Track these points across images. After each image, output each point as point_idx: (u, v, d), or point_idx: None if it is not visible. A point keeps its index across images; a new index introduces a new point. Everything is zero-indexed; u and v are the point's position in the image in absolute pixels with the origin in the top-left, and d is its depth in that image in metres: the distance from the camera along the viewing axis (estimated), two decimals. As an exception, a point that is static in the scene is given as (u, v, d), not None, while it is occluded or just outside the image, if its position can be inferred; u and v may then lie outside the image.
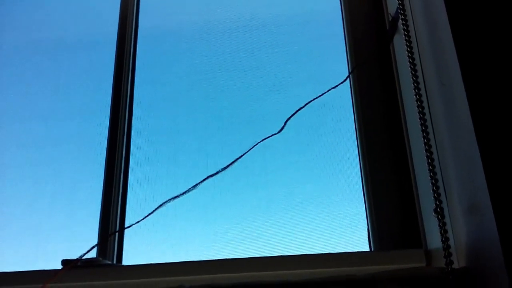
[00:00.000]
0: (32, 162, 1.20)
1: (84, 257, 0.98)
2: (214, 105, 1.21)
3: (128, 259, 1.07)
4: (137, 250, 1.09)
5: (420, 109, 0.88)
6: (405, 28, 0.97)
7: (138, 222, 1.01)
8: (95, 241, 1.10)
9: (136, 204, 1.13)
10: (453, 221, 0.80)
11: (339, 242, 1.04)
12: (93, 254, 1.05)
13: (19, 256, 1.12)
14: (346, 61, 1.21)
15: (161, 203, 1.07)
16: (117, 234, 1.08)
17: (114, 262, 1.06)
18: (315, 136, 1.15)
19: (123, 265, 0.96)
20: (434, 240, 0.88)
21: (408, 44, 0.97)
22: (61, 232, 1.14)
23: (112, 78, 1.24)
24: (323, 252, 0.89)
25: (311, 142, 1.15)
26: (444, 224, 0.77)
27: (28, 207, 1.16)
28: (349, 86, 1.19)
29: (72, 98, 1.26)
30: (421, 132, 0.88)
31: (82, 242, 1.11)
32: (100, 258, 1.02)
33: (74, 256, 0.99)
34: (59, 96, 1.26)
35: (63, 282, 0.93)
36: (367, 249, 1.01)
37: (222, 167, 1.07)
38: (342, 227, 1.05)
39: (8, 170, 1.20)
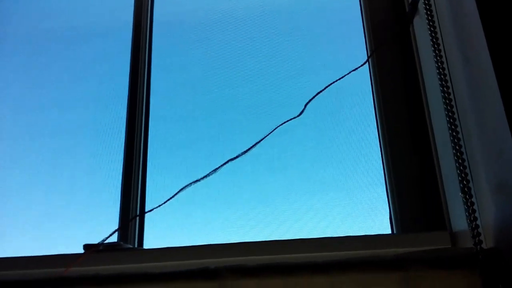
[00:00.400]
0: (50, 150, 1.20)
1: (106, 241, 0.99)
2: (232, 92, 1.20)
3: (149, 244, 1.07)
4: (157, 235, 1.09)
5: (444, 88, 0.87)
6: (427, 7, 0.96)
7: (159, 206, 1.00)
8: (115, 226, 1.10)
9: (155, 190, 1.13)
10: (480, 201, 0.79)
11: (360, 227, 1.03)
12: (113, 239, 1.05)
13: (39, 241, 1.12)
14: (365, 45, 1.20)
15: (180, 188, 1.07)
16: (137, 219, 1.09)
17: (136, 246, 1.06)
18: (334, 121, 1.14)
19: (148, 249, 0.96)
20: (459, 222, 0.87)
21: (431, 23, 0.96)
22: (81, 218, 1.15)
23: (128, 65, 1.23)
24: (348, 235, 0.89)
25: (330, 127, 1.14)
26: (472, 204, 0.76)
27: (47, 194, 1.17)
28: (368, 70, 1.17)
29: (89, 86, 1.26)
30: (444, 111, 0.87)
31: (102, 227, 1.11)
32: (122, 242, 1.02)
33: (94, 241, 0.99)
34: (76, 84, 1.26)
35: (85, 266, 0.94)
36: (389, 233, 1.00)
37: (241, 152, 1.07)
38: (362, 212, 1.04)
39: (26, 157, 1.20)
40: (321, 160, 1.11)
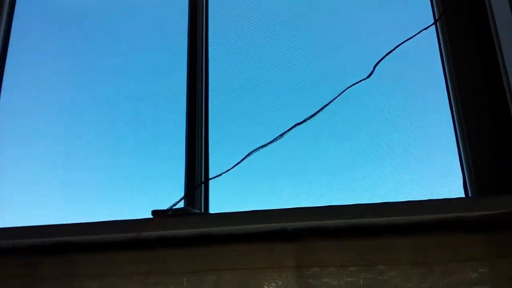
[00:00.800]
0: (112, 118, 1.21)
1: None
2: (294, 56, 1.18)
3: (214, 210, 1.08)
4: (222, 201, 1.09)
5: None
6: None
7: (227, 171, 1.01)
8: (178, 193, 1.11)
9: (217, 157, 1.13)
10: None
11: (431, 192, 1.00)
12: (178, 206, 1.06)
13: (105, 208, 1.15)
14: (431, 6, 1.15)
15: (242, 154, 1.07)
16: (203, 185, 1.09)
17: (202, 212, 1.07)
18: (401, 84, 1.10)
19: (218, 213, 0.96)
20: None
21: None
22: (142, 186, 1.16)
23: (186, 33, 1.22)
24: (427, 199, 0.86)
25: (397, 91, 1.10)
26: None
27: (111, 163, 1.19)
28: (435, 31, 1.13)
29: (148, 55, 1.26)
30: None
31: (165, 194, 1.12)
32: (189, 208, 1.03)
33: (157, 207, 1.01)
34: (136, 53, 1.27)
35: (155, 231, 0.95)
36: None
37: (302, 119, 1.05)
38: (433, 177, 1.01)
39: (89, 127, 1.23)
40: (388, 125, 1.08)
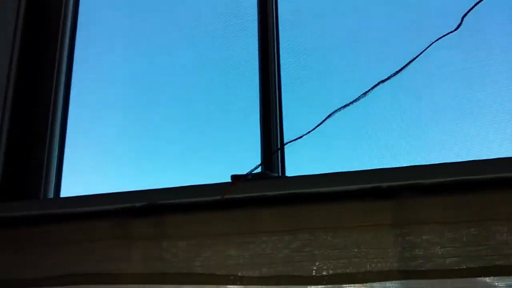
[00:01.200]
0: (185, 87, 1.22)
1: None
2: (366, 16, 1.13)
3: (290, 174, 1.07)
4: (298, 165, 1.08)
5: None
6: None
7: (308, 132, 0.99)
8: (253, 160, 1.11)
9: (291, 122, 1.12)
10: None
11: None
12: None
13: (180, 176, 1.16)
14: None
15: (317, 118, 1.05)
16: (279, 151, 1.08)
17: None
18: (484, 38, 1.04)
19: (300, 175, 0.95)
20: None
21: None
22: (217, 154, 1.17)
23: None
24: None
25: (481, 46, 1.04)
26: None
27: (185, 131, 1.20)
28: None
29: (217, 22, 1.24)
30: None
31: (241, 160, 1.12)
32: (268, 172, 1.03)
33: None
34: (205, 20, 1.25)
35: (236, 194, 0.95)
36: None
37: (376, 82, 1.01)
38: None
39: (160, 96, 1.24)
40: (472, 82, 1.02)
